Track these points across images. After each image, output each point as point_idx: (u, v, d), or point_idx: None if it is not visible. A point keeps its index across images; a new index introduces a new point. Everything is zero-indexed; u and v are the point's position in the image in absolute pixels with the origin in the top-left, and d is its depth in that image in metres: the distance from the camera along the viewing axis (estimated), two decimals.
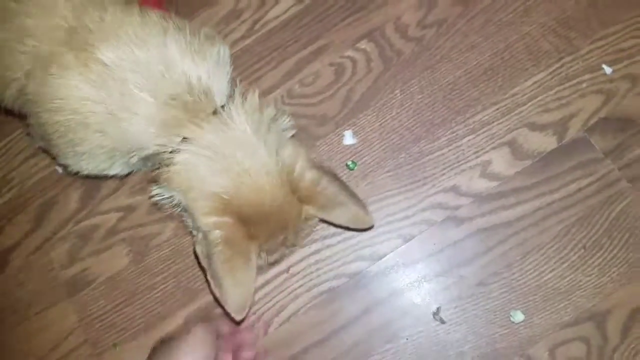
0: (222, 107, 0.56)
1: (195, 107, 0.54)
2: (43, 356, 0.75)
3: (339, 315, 0.70)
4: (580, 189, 0.69)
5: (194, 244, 0.58)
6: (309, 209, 0.58)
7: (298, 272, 0.73)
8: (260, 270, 0.62)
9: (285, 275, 0.73)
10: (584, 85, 0.73)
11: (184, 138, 0.54)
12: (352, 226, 0.60)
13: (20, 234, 0.80)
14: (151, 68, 0.53)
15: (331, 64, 0.79)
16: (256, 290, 0.72)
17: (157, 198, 0.58)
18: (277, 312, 0.71)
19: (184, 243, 0.75)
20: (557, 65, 0.74)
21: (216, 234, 0.54)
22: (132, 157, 0.57)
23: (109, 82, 0.53)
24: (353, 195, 0.58)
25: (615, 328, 0.64)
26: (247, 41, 0.81)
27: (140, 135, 0.55)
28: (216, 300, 0.58)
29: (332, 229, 0.73)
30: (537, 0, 0.76)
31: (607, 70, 0.73)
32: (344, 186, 0.58)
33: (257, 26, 0.82)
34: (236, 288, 0.54)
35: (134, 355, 0.73)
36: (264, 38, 0.81)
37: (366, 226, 0.60)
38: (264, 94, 0.79)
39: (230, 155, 0.53)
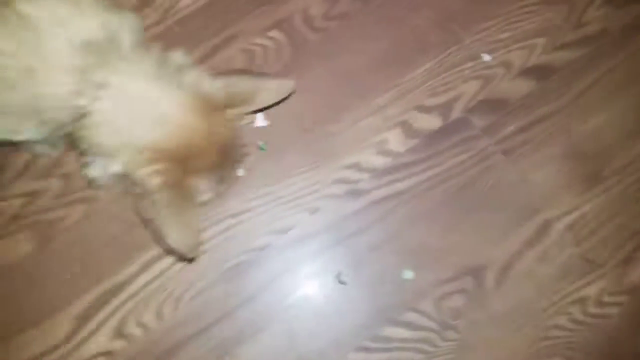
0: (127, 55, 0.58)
1: (107, 52, 0.56)
2: None
3: (247, 288, 0.75)
4: (462, 162, 0.80)
5: (135, 204, 0.59)
6: (234, 112, 0.60)
7: (210, 249, 0.77)
8: (210, 203, 0.63)
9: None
10: (466, 72, 0.84)
11: (99, 84, 0.55)
12: (280, 98, 0.63)
13: None
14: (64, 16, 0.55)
15: (242, 50, 0.84)
16: (167, 267, 0.76)
17: (92, 173, 0.58)
18: (187, 288, 0.75)
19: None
20: (443, 55, 0.84)
21: (154, 182, 0.55)
22: (46, 117, 0.57)
23: (24, 34, 0.53)
24: (264, 74, 0.61)
25: (488, 280, 0.75)
26: (159, 28, 0.85)
27: (56, 87, 0.55)
28: (167, 251, 0.59)
29: (247, 205, 0.79)
30: None
31: (486, 58, 0.84)
32: (253, 73, 0.60)
33: (168, 14, 0.85)
34: (184, 229, 0.56)
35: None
36: (177, 25, 0.85)
37: (291, 90, 0.63)
38: None
39: (144, 99, 0.56)
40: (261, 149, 0.81)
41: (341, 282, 0.75)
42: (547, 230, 0.77)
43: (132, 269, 0.75)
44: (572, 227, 0.77)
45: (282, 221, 0.78)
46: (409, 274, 0.75)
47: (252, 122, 0.81)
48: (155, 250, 0.76)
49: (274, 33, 0.85)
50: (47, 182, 0.77)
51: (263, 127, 0.81)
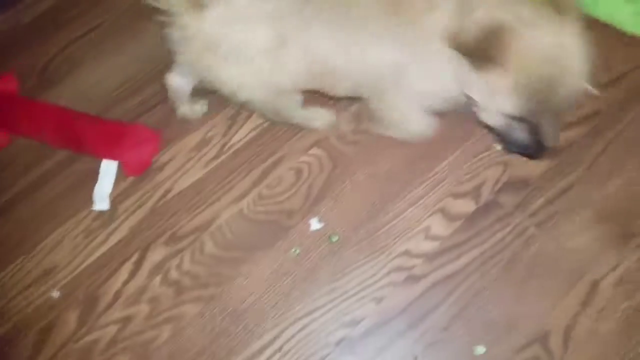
0: None
1: None
2: None
3: None
4: (502, 238, 0.90)
5: None
6: None
7: (289, 350, 0.84)
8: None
9: (278, 354, 0.84)
10: (486, 159, 0.99)
11: None
12: None
13: None
14: None
15: (290, 168, 1.00)
16: None
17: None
18: None
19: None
20: (464, 146, 1.00)
21: None
22: None
23: None
24: None
25: (556, 345, 0.81)
26: (218, 160, 1.02)
27: None
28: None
29: (315, 304, 0.87)
30: None
31: (498, 147, 1.00)
32: None
33: (225, 148, 1.03)
34: None
35: None
36: (232, 157, 1.03)
37: None
38: (237, 200, 0.98)
39: None
40: (332, 241, 0.92)
41: None
42: (597, 290, 0.85)
43: None
44: (619, 283, 0.85)
45: (351, 314, 0.86)
46: (481, 350, 0.81)
47: (309, 225, 0.94)
48: (243, 355, 0.83)
49: (314, 151, 1.02)
50: (136, 308, 0.87)
51: (319, 229, 0.93)
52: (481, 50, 0.68)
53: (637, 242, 0.88)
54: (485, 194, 0.95)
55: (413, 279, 0.88)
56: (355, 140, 1.03)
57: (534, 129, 0.75)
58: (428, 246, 0.91)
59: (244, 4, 0.77)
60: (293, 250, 0.92)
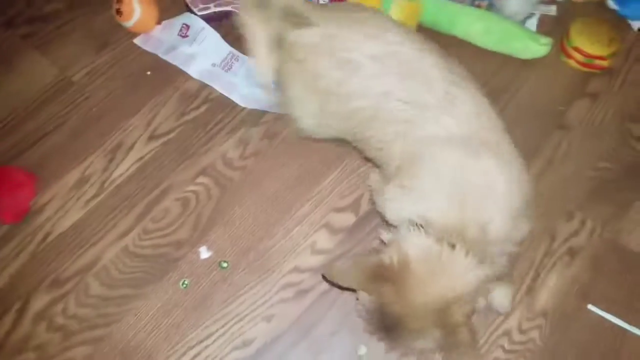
0: None
1: None
2: None
3: None
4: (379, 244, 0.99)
5: None
6: None
7: None
8: None
9: None
10: (363, 174, 1.07)
11: None
12: None
13: None
14: None
15: (177, 199, 1.02)
16: None
17: None
18: None
19: None
20: (342, 165, 1.07)
21: None
22: None
23: None
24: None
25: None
26: (99, 198, 1.01)
27: None
28: None
29: (207, 331, 0.89)
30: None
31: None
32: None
33: (105, 184, 1.02)
34: None
35: None
36: (114, 193, 1.02)
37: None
38: (121, 237, 0.97)
39: None
40: (223, 267, 0.94)
41: None
42: None
43: None
44: None
45: (243, 336, 0.89)
46: (363, 350, 0.88)
47: (198, 254, 0.96)
48: None
49: (201, 179, 1.04)
50: (22, 357, 0.84)
51: (209, 257, 0.96)
52: None
53: None
54: (364, 206, 1.03)
55: (302, 292, 0.93)
56: (242, 165, 1.06)
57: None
58: (315, 260, 0.97)
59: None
60: (182, 281, 0.94)
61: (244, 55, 1.20)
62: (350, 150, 1.08)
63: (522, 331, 0.91)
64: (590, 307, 0.92)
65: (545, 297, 0.94)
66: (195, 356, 0.87)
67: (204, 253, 0.96)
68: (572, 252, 0.97)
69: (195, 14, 1.23)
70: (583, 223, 1.00)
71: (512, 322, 0.91)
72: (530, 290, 0.94)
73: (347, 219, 1.02)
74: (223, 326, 0.90)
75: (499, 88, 1.16)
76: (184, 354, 0.87)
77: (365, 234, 1.00)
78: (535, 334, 0.91)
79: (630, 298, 0.93)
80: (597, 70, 1.17)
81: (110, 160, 1.05)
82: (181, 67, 1.19)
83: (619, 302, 0.92)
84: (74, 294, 0.92)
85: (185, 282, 0.93)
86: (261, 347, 0.88)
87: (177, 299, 0.92)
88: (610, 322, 0.91)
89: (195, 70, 1.18)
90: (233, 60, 1.19)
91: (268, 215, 1.01)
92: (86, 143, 1.06)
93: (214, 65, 1.19)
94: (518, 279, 0.95)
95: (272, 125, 1.11)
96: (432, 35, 1.20)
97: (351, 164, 1.07)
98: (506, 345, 0.89)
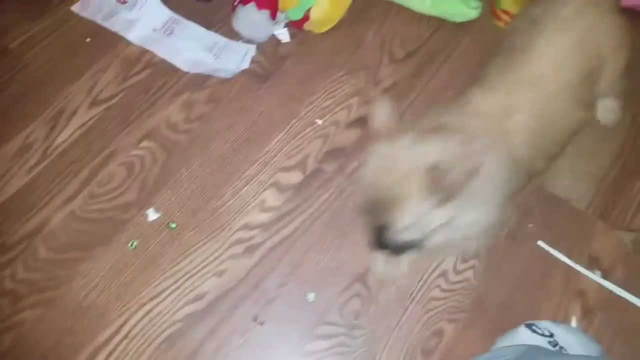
0: None
1: None
2: None
3: (181, 356, 0.88)
4: (326, 200, 1.05)
5: None
6: None
7: (136, 335, 0.89)
8: None
9: (125, 342, 0.88)
10: (309, 135, 1.12)
11: None
12: None
13: None
14: None
15: (122, 164, 1.03)
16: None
17: None
18: None
19: None
20: (288, 127, 1.12)
21: None
22: None
23: None
24: None
25: (373, 280, 0.98)
26: (42, 165, 1.01)
27: None
28: None
29: (159, 288, 0.93)
30: (263, 89, 1.16)
31: (319, 122, 1.14)
32: None
33: (48, 151, 1.03)
34: None
35: None
36: (57, 159, 1.02)
37: None
38: (67, 202, 0.99)
39: None
40: (172, 228, 0.97)
41: (260, 323, 0.91)
42: None
43: None
44: None
45: (195, 291, 0.93)
46: (312, 296, 0.94)
47: (146, 216, 0.98)
48: (89, 349, 0.86)
49: (145, 143, 1.06)
50: None
51: (157, 219, 0.99)
52: None
53: None
54: (310, 164, 1.09)
55: (252, 248, 0.98)
56: (188, 128, 1.09)
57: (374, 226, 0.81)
58: (264, 217, 1.02)
59: None
60: (131, 242, 0.96)
61: (186, 20, 1.21)
62: (295, 112, 1.13)
63: (457, 272, 1.00)
64: (539, 242, 1.02)
65: None
66: (148, 312, 0.91)
67: (152, 215, 0.99)
68: None
69: None
70: None
71: (448, 264, 1.00)
72: None
73: (295, 177, 1.07)
74: (174, 283, 0.94)
75: (435, 50, 1.23)
76: (137, 311, 0.91)
77: (314, 189, 1.05)
78: (469, 274, 1.00)
79: (555, 235, 1.03)
80: None
81: (52, 128, 1.05)
82: (121, 33, 1.19)
83: (545, 239, 1.02)
84: (21, 258, 0.93)
85: (134, 243, 0.96)
86: (213, 300, 0.93)
87: (127, 260, 0.95)
88: (537, 255, 1.01)
89: (135, 35, 1.19)
90: (174, 24, 1.21)
91: (216, 177, 1.05)
92: (27, 111, 1.06)
93: (154, 30, 1.20)
94: None
95: (216, 89, 1.14)
96: (371, 1, 1.28)
97: (297, 125, 1.12)
98: (443, 285, 0.98)
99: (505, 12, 1.24)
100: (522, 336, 0.91)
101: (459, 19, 1.25)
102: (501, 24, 1.26)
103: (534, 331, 0.91)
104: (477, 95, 0.85)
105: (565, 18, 0.87)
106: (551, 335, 0.91)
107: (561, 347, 0.89)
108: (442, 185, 0.73)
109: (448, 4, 1.23)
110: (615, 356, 0.91)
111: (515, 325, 0.92)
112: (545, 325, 0.92)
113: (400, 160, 0.76)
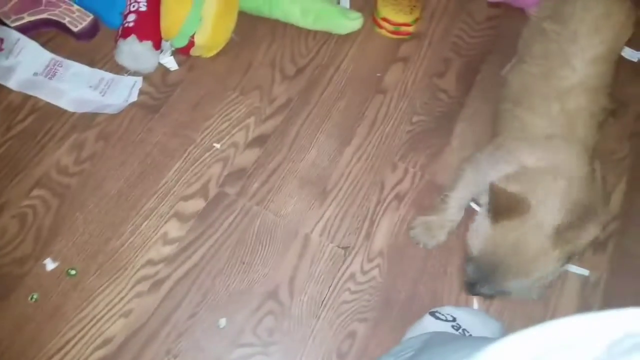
0: None
1: None
2: None
3: None
4: (231, 223, 1.08)
5: None
6: None
7: None
8: None
9: None
10: (207, 160, 1.16)
11: None
12: None
13: None
14: None
15: (13, 216, 1.02)
16: None
17: None
18: None
19: None
20: (185, 154, 1.15)
21: None
22: None
23: None
24: None
25: (284, 295, 1.02)
26: None
27: None
28: None
29: (64, 338, 0.92)
30: (155, 119, 1.18)
31: (217, 146, 1.17)
32: None
33: None
34: None
35: None
36: None
37: None
38: None
39: None
40: (71, 275, 0.97)
41: (174, 357, 0.93)
42: (309, 242, 1.09)
43: None
44: (323, 231, 1.10)
45: (103, 335, 0.94)
46: (222, 322, 0.97)
47: (44, 267, 0.97)
48: None
49: (36, 192, 1.06)
50: None
51: (55, 268, 0.98)
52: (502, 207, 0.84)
53: (331, 196, 1.15)
54: (212, 189, 1.12)
55: (157, 284, 1.00)
56: (79, 170, 1.09)
57: (475, 275, 0.91)
58: (167, 250, 1.04)
59: None
60: (31, 295, 0.95)
61: (69, 60, 1.21)
62: (191, 139, 1.16)
63: (364, 272, 1.07)
64: None
65: (380, 239, 1.10)
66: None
67: (50, 264, 0.98)
68: (399, 197, 1.15)
69: (9, 26, 1.21)
70: (406, 171, 1.19)
71: (355, 266, 1.07)
72: (368, 236, 1.10)
73: (197, 204, 1.09)
74: (80, 330, 0.94)
75: (324, 64, 1.31)
76: None
77: (218, 214, 1.09)
78: (375, 272, 1.07)
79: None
80: (406, 36, 1.37)
81: None
82: (0, 81, 1.17)
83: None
84: None
85: (35, 296, 0.95)
86: (122, 341, 0.94)
87: (29, 314, 0.94)
88: (434, 248, 1.10)
89: (16, 82, 1.18)
90: (56, 66, 1.20)
91: (113, 216, 1.06)
92: None
93: (36, 74, 1.19)
94: (356, 228, 1.11)
95: (105, 126, 1.15)
96: (257, 21, 1.34)
97: (194, 152, 1.15)
98: (352, 287, 1.04)
99: (385, 19, 1.34)
100: (427, 324, 0.98)
101: (343, 32, 1.33)
102: (383, 32, 1.36)
103: (438, 318, 0.99)
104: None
105: None
106: (454, 320, 0.99)
107: (464, 330, 0.97)
108: (572, 250, 0.84)
109: (329, 19, 1.31)
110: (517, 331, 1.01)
111: (421, 315, 1.00)
112: (447, 310, 1.01)
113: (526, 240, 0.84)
